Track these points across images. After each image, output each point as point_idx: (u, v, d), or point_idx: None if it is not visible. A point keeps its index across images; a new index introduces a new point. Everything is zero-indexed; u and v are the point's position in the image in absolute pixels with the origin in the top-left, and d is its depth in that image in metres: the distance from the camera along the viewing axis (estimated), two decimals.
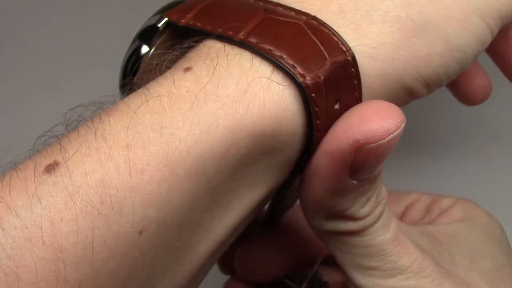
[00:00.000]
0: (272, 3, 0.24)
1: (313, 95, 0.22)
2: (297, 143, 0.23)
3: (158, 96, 0.21)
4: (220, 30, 0.23)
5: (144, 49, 0.26)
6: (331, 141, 0.22)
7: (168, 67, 0.24)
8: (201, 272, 0.24)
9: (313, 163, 0.23)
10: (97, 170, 0.20)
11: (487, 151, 0.44)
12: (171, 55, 0.24)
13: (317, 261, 0.31)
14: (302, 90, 0.22)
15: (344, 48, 0.23)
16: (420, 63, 0.24)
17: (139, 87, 0.23)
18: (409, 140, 0.44)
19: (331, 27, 0.23)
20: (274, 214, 0.29)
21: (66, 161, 0.20)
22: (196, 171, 0.21)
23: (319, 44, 0.22)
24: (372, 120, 0.21)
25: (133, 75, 0.26)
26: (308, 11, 0.23)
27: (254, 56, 0.22)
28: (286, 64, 0.22)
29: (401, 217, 0.31)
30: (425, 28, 0.24)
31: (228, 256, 0.31)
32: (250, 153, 0.22)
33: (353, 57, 0.23)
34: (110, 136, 0.21)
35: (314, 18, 0.23)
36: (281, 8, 0.24)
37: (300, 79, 0.22)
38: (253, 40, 0.22)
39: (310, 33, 0.23)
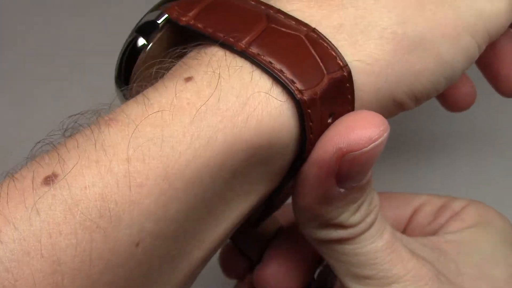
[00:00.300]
0: (273, 8, 0.24)
1: (309, 110, 0.22)
2: (290, 154, 0.23)
3: (159, 107, 0.21)
4: (221, 35, 0.23)
5: (141, 41, 0.25)
6: (318, 151, 0.23)
7: (166, 69, 0.24)
8: (193, 276, 0.24)
9: (303, 171, 0.24)
10: (97, 184, 0.20)
11: (483, 152, 0.44)
12: (169, 62, 0.24)
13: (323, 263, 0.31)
14: (299, 105, 0.22)
15: (341, 64, 0.23)
16: (412, 79, 0.24)
17: (137, 92, 0.23)
18: (406, 141, 0.44)
19: (330, 41, 0.23)
20: (262, 217, 0.29)
21: (66, 175, 0.20)
22: (193, 184, 0.21)
23: (318, 59, 0.23)
24: (355, 129, 0.22)
25: (128, 68, 0.26)
26: (308, 22, 0.24)
27: (254, 68, 0.22)
28: (286, 80, 0.22)
29: (409, 221, 0.30)
30: (420, 45, 0.24)
31: (231, 260, 0.32)
32: (245, 164, 0.22)
33: (349, 73, 0.23)
34: (110, 148, 0.20)
35: (314, 30, 0.23)
36: (282, 16, 0.24)
37: (298, 96, 0.22)
38: (254, 50, 0.22)
39: (310, 47, 0.23)
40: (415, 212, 0.30)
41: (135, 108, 0.22)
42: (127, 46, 0.26)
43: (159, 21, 0.25)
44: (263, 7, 0.24)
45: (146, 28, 0.25)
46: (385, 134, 0.22)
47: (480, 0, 0.25)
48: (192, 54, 0.24)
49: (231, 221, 0.23)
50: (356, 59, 0.23)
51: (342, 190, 0.23)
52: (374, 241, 0.25)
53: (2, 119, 0.44)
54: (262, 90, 0.22)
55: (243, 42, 0.23)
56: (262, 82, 0.22)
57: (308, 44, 0.23)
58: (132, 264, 0.20)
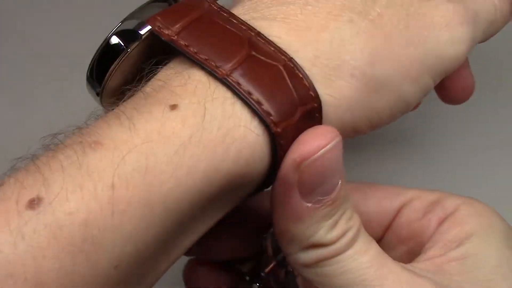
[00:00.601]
0: (254, 30, 0.25)
1: (282, 142, 0.24)
2: (261, 179, 0.25)
3: (145, 134, 0.22)
4: (204, 57, 0.24)
5: (114, 39, 0.26)
6: (280, 169, 0.24)
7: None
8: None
9: (272, 194, 0.25)
10: (81, 210, 0.20)
11: (479, 148, 0.44)
12: (147, 71, 0.25)
13: (268, 232, 0.31)
14: (274, 137, 0.24)
15: (313, 95, 0.25)
16: (373, 114, 0.27)
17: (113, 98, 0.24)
18: (401, 138, 0.44)
19: (305, 73, 0.25)
20: None
21: (51, 200, 0.20)
22: (173, 211, 0.22)
23: (294, 92, 0.24)
24: (306, 141, 0.24)
25: (102, 68, 0.26)
26: (286, 50, 0.25)
27: (236, 99, 0.24)
28: (263, 113, 0.23)
29: (396, 215, 0.29)
30: (384, 85, 0.26)
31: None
32: (221, 191, 0.23)
33: (320, 104, 0.25)
34: (95, 174, 0.21)
35: (291, 60, 0.24)
36: (262, 41, 0.25)
37: (274, 129, 0.24)
38: (235, 79, 0.24)
39: (287, 78, 0.24)
40: (403, 206, 0.29)
41: (120, 133, 0.22)
42: (104, 46, 0.26)
43: (141, 32, 0.25)
44: (244, 27, 0.25)
45: (126, 36, 0.26)
46: (334, 141, 0.23)
47: (443, 43, 0.27)
48: (174, 74, 0.24)
49: (198, 235, 0.25)
50: (327, 93, 0.25)
51: (309, 204, 0.24)
52: (358, 257, 0.25)
53: (2, 119, 0.44)
54: (242, 124, 0.23)
55: (226, 68, 0.24)
56: (243, 114, 0.24)
57: (286, 75, 0.24)
58: (110, 284, 0.21)
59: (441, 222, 0.28)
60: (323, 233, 0.25)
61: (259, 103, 0.23)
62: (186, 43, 0.24)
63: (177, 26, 0.25)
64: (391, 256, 0.26)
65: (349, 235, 0.25)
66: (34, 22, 0.49)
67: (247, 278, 0.33)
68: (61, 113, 0.43)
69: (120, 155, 0.21)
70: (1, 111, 0.45)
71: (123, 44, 0.26)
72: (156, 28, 0.25)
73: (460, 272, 0.26)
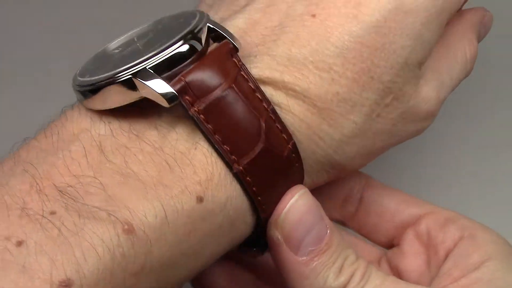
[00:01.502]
0: (273, 111, 0.26)
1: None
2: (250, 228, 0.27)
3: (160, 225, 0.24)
4: (227, 149, 0.25)
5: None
6: (266, 234, 0.27)
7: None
8: None
9: (273, 261, 0.27)
10: None
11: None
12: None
13: None
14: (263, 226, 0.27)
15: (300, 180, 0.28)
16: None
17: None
18: None
19: (300, 159, 0.27)
20: None
21: None
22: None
23: (290, 182, 0.27)
24: (279, 203, 0.27)
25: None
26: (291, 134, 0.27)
27: (245, 199, 0.26)
28: (262, 213, 0.26)
29: (415, 222, 0.31)
30: (344, 169, 0.28)
31: None
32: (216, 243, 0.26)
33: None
34: None
35: (294, 146, 0.27)
36: (279, 127, 0.26)
37: (263, 221, 0.27)
38: (248, 178, 0.25)
39: (286, 172, 0.26)
40: (423, 216, 0.31)
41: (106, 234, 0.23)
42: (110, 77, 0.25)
43: (174, 91, 0.24)
44: (264, 105, 0.26)
45: (159, 86, 0.24)
46: (298, 193, 0.26)
47: (411, 129, 0.29)
48: (193, 150, 0.25)
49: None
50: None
51: (304, 258, 0.26)
52: None
53: (2, 119, 0.44)
54: (248, 221, 0.26)
55: (241, 165, 0.25)
56: (245, 209, 0.26)
57: (286, 168, 0.26)
58: None
59: (457, 242, 0.29)
60: (332, 280, 0.26)
61: (260, 204, 0.26)
62: (212, 127, 0.25)
63: (204, 102, 0.25)
64: (411, 262, 0.29)
65: (358, 275, 0.26)
66: (34, 22, 0.49)
67: None
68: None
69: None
70: (1, 111, 0.45)
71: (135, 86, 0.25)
72: (186, 102, 0.25)
73: None
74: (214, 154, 0.25)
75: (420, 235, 0.31)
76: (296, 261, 0.26)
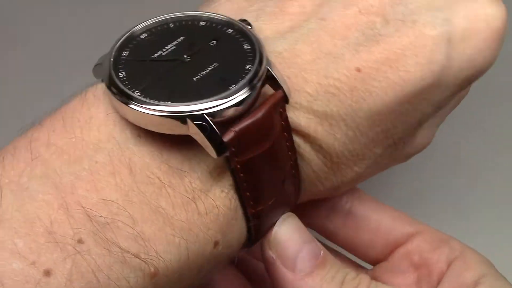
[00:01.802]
0: (295, 166, 0.26)
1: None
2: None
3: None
4: (248, 194, 0.25)
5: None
6: (262, 256, 0.28)
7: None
8: None
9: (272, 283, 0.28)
10: None
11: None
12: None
13: None
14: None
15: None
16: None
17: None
18: None
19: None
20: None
21: None
22: None
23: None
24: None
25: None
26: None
27: (245, 232, 0.26)
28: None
29: (407, 240, 0.31)
30: (337, 190, 0.29)
31: None
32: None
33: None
34: None
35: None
36: (295, 181, 0.27)
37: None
38: (256, 221, 0.26)
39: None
40: (415, 234, 0.31)
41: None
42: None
43: (225, 140, 0.23)
44: (291, 153, 0.26)
45: (211, 136, 0.23)
46: (282, 218, 0.27)
47: (401, 161, 0.30)
48: (225, 208, 0.25)
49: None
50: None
51: (302, 274, 0.27)
52: None
53: (2, 119, 0.44)
54: (243, 240, 0.26)
55: (256, 209, 0.26)
56: (244, 235, 0.26)
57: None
58: None
59: (451, 263, 0.30)
60: None
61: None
62: (244, 177, 0.25)
63: (245, 156, 0.24)
64: (400, 280, 0.29)
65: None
66: (34, 22, 0.49)
67: None
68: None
69: None
70: (1, 111, 0.45)
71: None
72: (230, 153, 0.23)
73: None
74: (237, 200, 0.25)
75: (410, 254, 0.31)
76: (294, 279, 0.27)
